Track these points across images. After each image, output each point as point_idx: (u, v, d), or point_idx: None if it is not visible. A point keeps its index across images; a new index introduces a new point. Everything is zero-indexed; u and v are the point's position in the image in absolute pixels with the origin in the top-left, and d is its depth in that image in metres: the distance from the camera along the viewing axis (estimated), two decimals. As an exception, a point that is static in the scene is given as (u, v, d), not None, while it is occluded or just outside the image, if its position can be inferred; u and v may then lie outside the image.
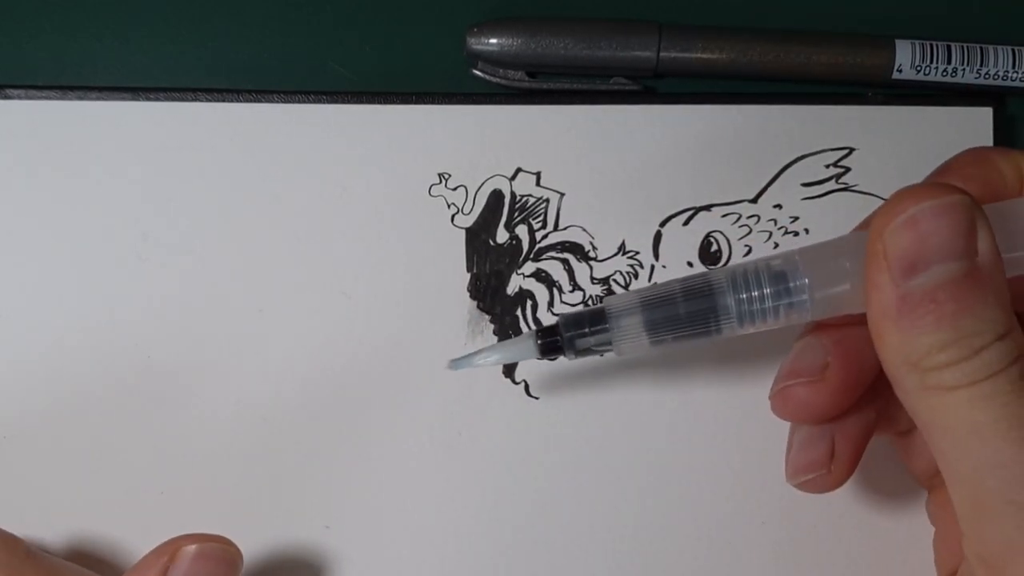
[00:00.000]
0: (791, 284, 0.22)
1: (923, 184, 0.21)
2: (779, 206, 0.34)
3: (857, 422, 0.25)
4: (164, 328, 0.32)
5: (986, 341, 0.19)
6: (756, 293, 0.22)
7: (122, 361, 0.32)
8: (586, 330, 0.24)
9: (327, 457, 0.32)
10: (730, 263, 0.23)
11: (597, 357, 0.25)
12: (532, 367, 0.33)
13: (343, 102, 0.33)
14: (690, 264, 0.33)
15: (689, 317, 0.23)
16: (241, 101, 0.33)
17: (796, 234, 0.34)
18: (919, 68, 0.33)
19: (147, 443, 0.32)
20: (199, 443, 0.32)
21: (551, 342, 0.24)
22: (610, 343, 0.24)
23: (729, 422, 0.32)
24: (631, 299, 0.23)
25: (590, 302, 0.33)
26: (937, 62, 0.33)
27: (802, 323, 0.23)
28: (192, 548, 0.26)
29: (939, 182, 0.21)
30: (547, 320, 0.33)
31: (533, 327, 0.32)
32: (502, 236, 0.33)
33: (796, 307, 0.22)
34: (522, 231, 0.33)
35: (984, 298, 0.20)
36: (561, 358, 0.25)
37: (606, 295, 0.33)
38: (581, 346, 0.24)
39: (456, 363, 0.26)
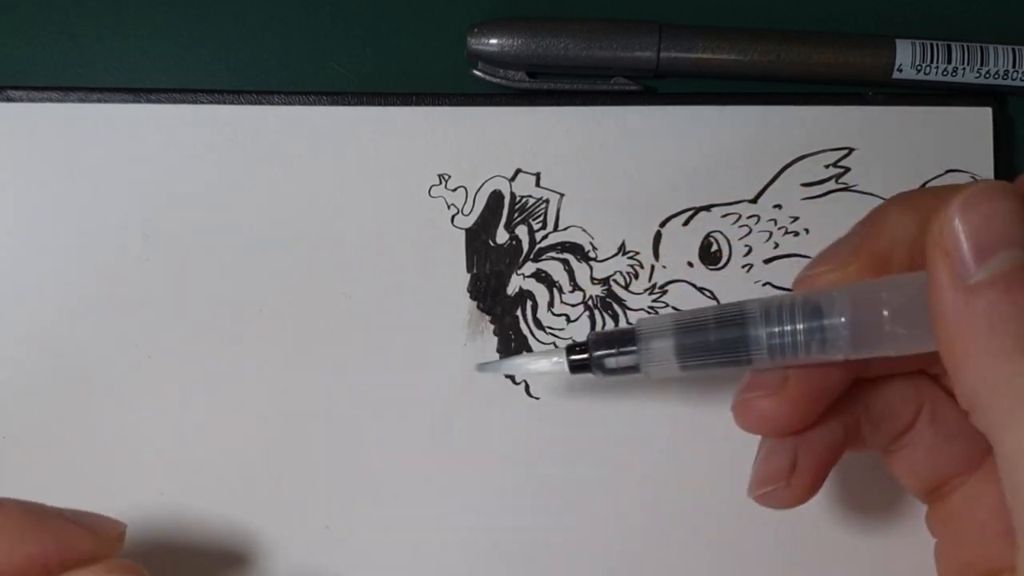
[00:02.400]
0: (826, 321, 0.22)
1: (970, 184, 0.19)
2: (779, 206, 0.34)
3: (821, 437, 0.24)
4: (165, 328, 0.32)
5: None
6: (789, 327, 0.22)
7: (123, 361, 0.32)
8: (615, 350, 0.24)
9: (327, 457, 0.32)
10: (767, 295, 0.23)
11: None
12: None
13: (343, 103, 0.33)
14: (690, 264, 0.33)
15: (720, 345, 0.22)
16: (242, 102, 0.33)
17: (796, 234, 0.34)
18: (919, 68, 0.33)
19: (147, 443, 0.32)
20: (199, 443, 0.32)
21: (581, 360, 0.24)
22: (638, 365, 0.24)
23: (731, 426, 0.31)
24: (663, 323, 0.23)
25: (590, 302, 0.33)
26: (937, 62, 0.33)
27: (835, 361, 0.22)
28: None
29: (984, 181, 0.21)
30: (547, 320, 0.33)
31: (533, 326, 0.32)
32: (502, 237, 0.33)
33: (830, 344, 0.22)
34: (522, 232, 0.33)
35: None
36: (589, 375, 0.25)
37: (606, 295, 0.33)
38: (610, 366, 0.24)
39: (484, 367, 0.27)
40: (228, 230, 0.32)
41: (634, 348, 0.23)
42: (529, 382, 0.33)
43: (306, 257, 0.32)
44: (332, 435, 0.32)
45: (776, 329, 0.22)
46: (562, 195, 0.33)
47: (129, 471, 0.32)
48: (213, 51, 0.34)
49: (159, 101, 0.32)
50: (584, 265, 0.33)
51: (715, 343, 0.22)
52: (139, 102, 0.32)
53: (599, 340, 0.24)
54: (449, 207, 0.33)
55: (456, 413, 0.32)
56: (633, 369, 0.24)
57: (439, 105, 0.33)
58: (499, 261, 0.33)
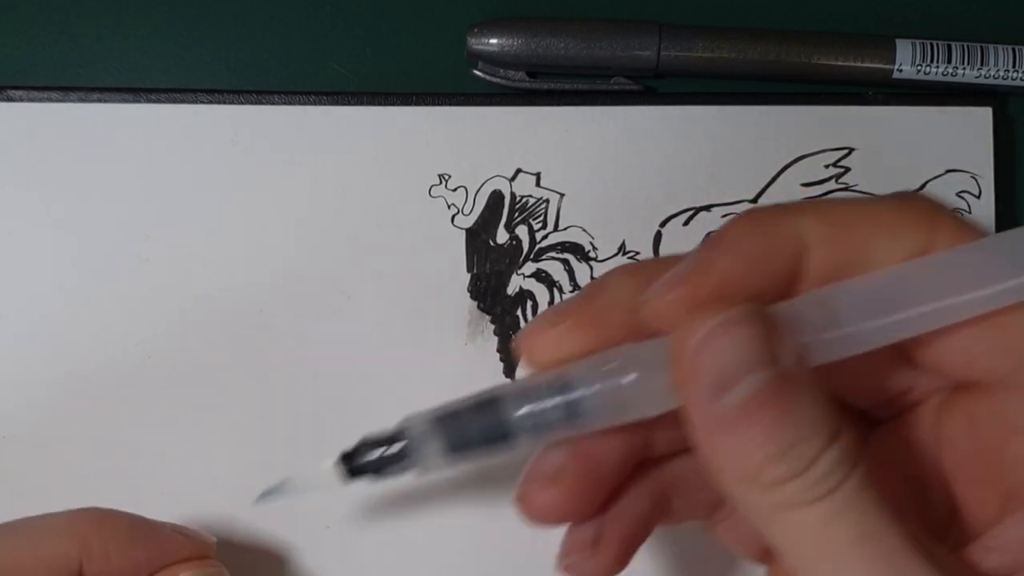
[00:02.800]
0: (575, 394, 0.21)
1: (712, 304, 0.20)
2: None
3: (626, 510, 0.23)
4: (165, 327, 0.32)
5: (817, 448, 0.18)
6: (545, 405, 0.21)
7: (123, 360, 0.32)
8: (383, 453, 0.23)
9: (328, 457, 0.31)
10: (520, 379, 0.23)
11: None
12: None
13: (343, 103, 0.33)
14: None
15: (481, 432, 0.22)
16: (242, 102, 0.32)
17: None
18: (919, 68, 0.33)
19: (147, 443, 0.32)
20: (199, 443, 0.32)
21: (355, 467, 0.23)
22: (407, 463, 0.23)
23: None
24: (425, 418, 0.22)
25: None
26: (937, 62, 0.33)
27: (596, 430, 0.22)
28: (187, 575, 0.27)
29: (726, 298, 0.20)
30: None
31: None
32: (502, 236, 0.33)
33: (583, 416, 0.21)
34: (522, 231, 0.33)
35: (798, 400, 0.19)
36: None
37: None
38: (383, 470, 0.23)
39: (262, 498, 0.25)
40: (228, 230, 0.32)
41: (401, 452, 0.23)
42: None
43: (306, 257, 0.32)
44: (333, 436, 0.29)
45: (533, 408, 0.21)
46: (562, 195, 0.33)
47: (129, 471, 0.32)
48: (213, 51, 0.34)
49: (159, 101, 0.32)
50: (584, 265, 0.33)
51: (477, 431, 0.22)
52: (139, 102, 0.32)
53: (366, 445, 0.23)
54: (449, 207, 0.33)
55: None
56: (406, 468, 0.23)
57: (439, 105, 0.33)
58: (499, 261, 0.33)
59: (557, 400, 0.21)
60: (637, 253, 0.33)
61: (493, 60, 0.33)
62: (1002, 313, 0.20)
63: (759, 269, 0.20)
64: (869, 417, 0.24)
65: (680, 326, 0.19)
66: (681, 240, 0.33)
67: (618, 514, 0.23)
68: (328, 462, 0.24)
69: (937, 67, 0.33)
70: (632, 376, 0.21)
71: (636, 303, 0.20)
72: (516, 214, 0.33)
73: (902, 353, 0.22)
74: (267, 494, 0.25)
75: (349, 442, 0.31)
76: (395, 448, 0.22)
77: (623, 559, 0.23)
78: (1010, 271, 0.20)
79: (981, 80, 0.34)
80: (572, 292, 0.33)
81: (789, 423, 0.19)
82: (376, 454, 0.23)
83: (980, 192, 0.34)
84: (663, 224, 0.33)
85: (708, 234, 0.23)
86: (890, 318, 0.20)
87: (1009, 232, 0.21)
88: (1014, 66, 0.33)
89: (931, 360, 0.21)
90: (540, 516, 0.22)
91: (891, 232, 0.20)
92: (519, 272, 0.33)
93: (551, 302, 0.33)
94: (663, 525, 0.24)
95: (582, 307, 0.22)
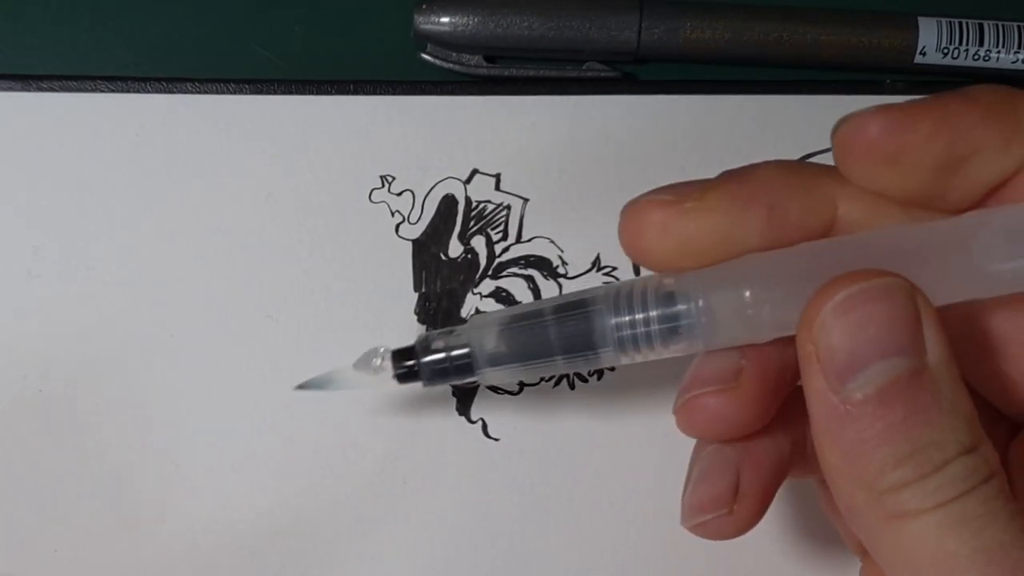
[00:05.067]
0: (680, 307, 0.21)
1: (857, 270, 0.19)
2: None
3: (768, 451, 0.23)
4: (58, 356, 0.31)
5: (949, 455, 0.18)
6: (641, 316, 0.21)
7: (7, 394, 0.31)
8: (444, 354, 0.24)
9: (245, 511, 0.31)
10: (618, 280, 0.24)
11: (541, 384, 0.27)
12: (491, 403, 0.31)
13: (268, 92, 0.32)
14: None
15: (561, 342, 0.22)
16: (149, 91, 0.31)
17: None
18: (946, 51, 0.33)
19: (37, 493, 0.30)
20: (98, 492, 0.30)
21: (407, 367, 0.25)
22: (471, 370, 0.24)
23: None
24: (497, 318, 0.23)
25: None
26: (967, 44, 0.33)
27: (695, 353, 0.22)
28: None
29: (870, 269, 0.19)
30: None
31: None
32: (455, 249, 0.32)
33: (686, 334, 0.21)
34: (479, 243, 0.32)
35: (939, 403, 0.18)
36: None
37: None
38: (439, 372, 0.24)
39: (305, 385, 0.27)
40: (133, 241, 0.31)
41: (466, 350, 0.24)
42: (487, 421, 0.31)
43: (223, 274, 0.31)
44: (252, 485, 0.31)
45: (626, 318, 0.21)
46: (526, 200, 0.32)
47: (17, 522, 0.30)
48: (116, 32, 0.33)
49: (51, 89, 0.31)
50: (552, 283, 0.32)
51: (556, 340, 0.22)
52: (28, 90, 0.31)
53: (426, 342, 0.24)
54: (393, 214, 0.32)
55: (401, 457, 0.31)
56: (466, 372, 0.24)
57: (381, 94, 0.32)
58: (452, 278, 0.32)
59: (656, 312, 0.21)
60: (614, 269, 0.32)
61: (444, 42, 0.32)
62: None
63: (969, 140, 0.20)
64: (1017, 423, 0.23)
65: (822, 288, 0.19)
66: (666, 254, 0.31)
67: (757, 456, 0.23)
68: (381, 358, 0.25)
69: (967, 50, 0.33)
70: (747, 294, 0.20)
71: (837, 201, 0.20)
72: (472, 223, 0.32)
73: None
74: (310, 384, 0.26)
75: (271, 492, 0.31)
76: (457, 353, 0.23)
77: (761, 512, 0.23)
78: None
79: (1019, 66, 0.33)
80: None
81: (922, 424, 0.18)
82: (437, 357, 0.24)
83: None
84: None
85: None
86: None
87: None
88: (1057, 49, 0.33)
89: None
90: (709, 428, 0.22)
91: (999, 126, 0.20)
92: (475, 291, 0.32)
93: (513, 326, 0.31)
94: (791, 477, 0.24)
95: (714, 189, 0.21)
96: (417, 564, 0.31)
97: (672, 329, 0.21)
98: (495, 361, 0.23)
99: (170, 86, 0.31)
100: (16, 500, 0.30)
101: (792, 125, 0.32)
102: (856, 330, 0.18)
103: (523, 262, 0.32)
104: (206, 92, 0.31)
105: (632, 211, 0.22)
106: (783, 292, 0.20)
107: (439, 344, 0.24)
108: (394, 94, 0.31)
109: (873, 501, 0.18)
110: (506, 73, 0.32)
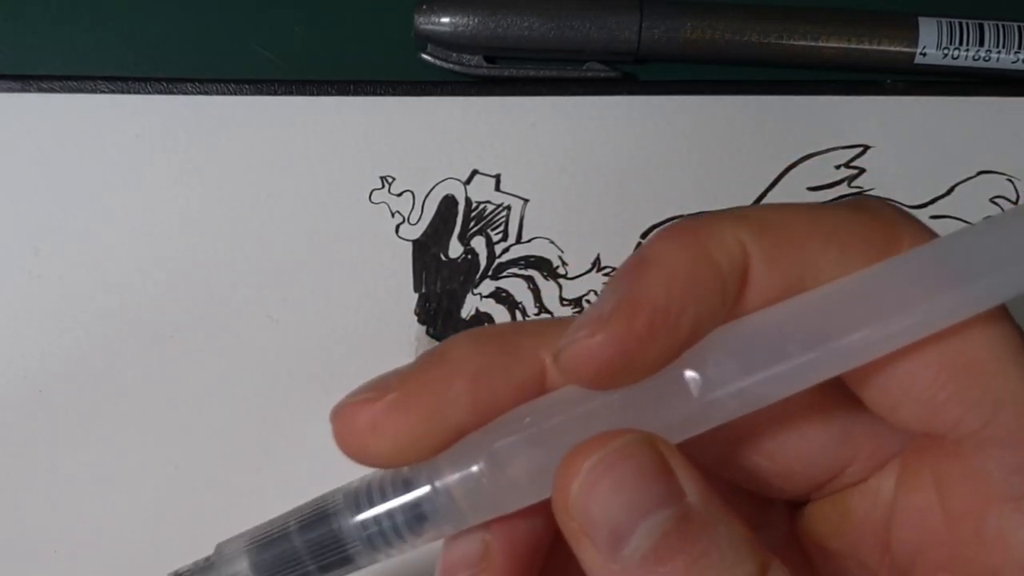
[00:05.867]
0: (419, 491, 0.19)
1: (592, 437, 0.18)
2: None
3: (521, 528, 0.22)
4: (58, 358, 0.31)
5: None
6: (384, 509, 0.20)
7: (7, 394, 0.30)
8: None
9: (245, 511, 0.29)
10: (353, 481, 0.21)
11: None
12: None
13: (268, 92, 0.31)
14: None
15: (310, 550, 0.20)
16: (149, 91, 0.31)
17: None
18: (947, 51, 0.33)
19: (37, 493, 0.30)
20: (96, 495, 0.30)
21: None
22: None
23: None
24: (240, 542, 0.21)
25: None
26: (968, 44, 0.33)
27: (457, 532, 0.21)
28: None
29: (603, 434, 0.18)
30: None
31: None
32: (455, 250, 0.32)
33: (432, 519, 0.19)
34: (479, 244, 0.32)
35: (715, 539, 0.17)
36: None
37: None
38: None
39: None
40: (134, 242, 0.31)
41: None
42: None
43: (225, 274, 0.31)
44: (252, 487, 0.31)
45: (371, 514, 0.20)
46: (526, 201, 0.32)
47: (16, 526, 0.30)
48: (115, 31, 0.32)
49: (52, 90, 0.31)
50: (552, 283, 0.32)
51: (304, 549, 0.20)
52: (28, 91, 0.31)
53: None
54: (393, 215, 0.32)
55: None
56: None
57: (382, 95, 0.32)
58: (452, 279, 0.32)
59: (399, 503, 0.19)
60: (614, 269, 0.32)
61: (444, 42, 0.32)
62: (968, 346, 0.18)
63: (695, 293, 0.18)
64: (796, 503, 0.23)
65: (560, 468, 0.18)
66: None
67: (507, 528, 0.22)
68: None
69: (967, 50, 0.33)
70: (476, 468, 0.19)
71: (543, 357, 0.19)
72: (472, 223, 0.32)
73: (846, 411, 0.20)
74: None
75: (273, 496, 0.29)
76: None
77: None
78: (961, 276, 0.18)
79: (1019, 66, 0.33)
80: (537, 315, 0.32)
81: (705, 568, 0.17)
82: None
83: (1018, 197, 0.33)
84: (644, 235, 0.32)
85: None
86: (805, 356, 0.18)
87: (960, 232, 0.19)
88: (1059, 49, 0.33)
89: (883, 409, 0.19)
90: None
91: (842, 245, 0.19)
92: (475, 292, 0.32)
93: (513, 327, 0.31)
94: None
95: (412, 377, 0.20)
96: (411, 565, 0.30)
97: (418, 516, 0.20)
98: None
99: (170, 87, 0.31)
100: (16, 500, 0.30)
101: (792, 125, 0.33)
102: (611, 498, 0.18)
103: (523, 263, 0.32)
104: (206, 93, 0.31)
105: (339, 419, 0.20)
106: (523, 460, 0.19)
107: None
108: (394, 94, 0.31)
109: None
110: (506, 73, 0.32)
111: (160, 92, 0.31)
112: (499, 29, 0.31)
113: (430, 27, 0.31)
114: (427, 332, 0.32)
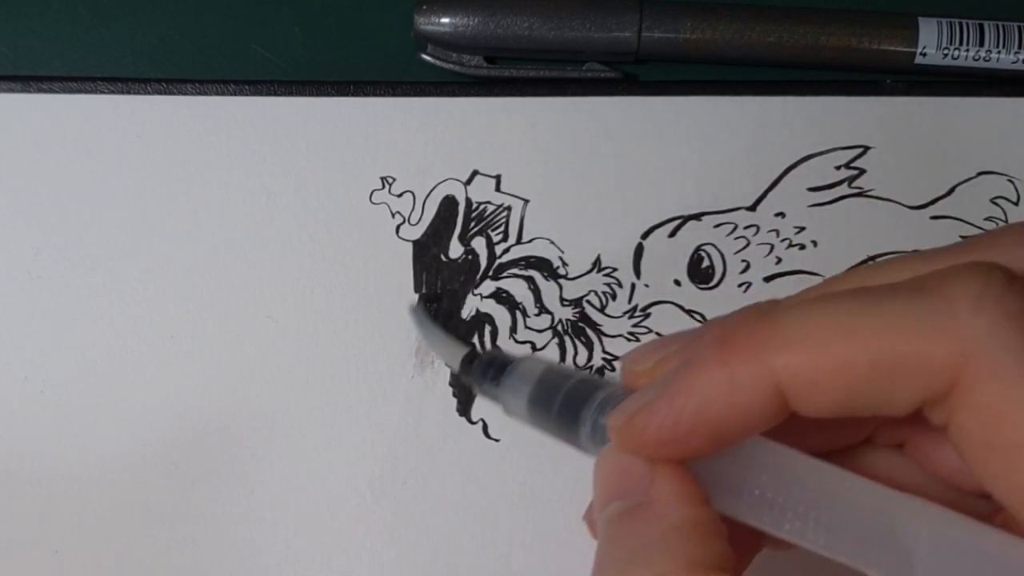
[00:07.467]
0: None
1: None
2: (782, 214, 0.33)
3: None
4: (59, 358, 0.31)
5: None
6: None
7: (7, 395, 0.30)
8: (486, 376, 0.24)
9: (246, 511, 0.30)
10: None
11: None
12: (492, 404, 0.31)
13: (269, 93, 0.32)
14: (677, 283, 0.32)
15: (559, 414, 0.22)
16: (149, 92, 0.31)
17: (802, 247, 0.32)
18: (947, 51, 0.33)
19: (37, 493, 0.30)
20: (96, 495, 0.30)
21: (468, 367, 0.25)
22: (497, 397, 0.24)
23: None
24: (537, 365, 0.23)
25: (559, 327, 0.32)
26: (968, 44, 0.32)
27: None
28: None
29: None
30: (509, 348, 0.32)
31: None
32: (456, 250, 0.32)
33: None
34: (479, 244, 0.32)
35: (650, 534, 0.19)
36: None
37: (578, 319, 0.32)
38: (478, 386, 0.25)
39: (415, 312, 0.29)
40: (135, 243, 0.31)
41: (498, 379, 0.24)
42: (487, 421, 0.31)
43: (223, 274, 0.31)
44: (253, 485, 0.31)
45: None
46: (526, 201, 0.32)
47: (18, 524, 0.30)
48: (116, 34, 0.33)
49: (53, 91, 0.31)
50: (552, 284, 0.32)
51: (555, 411, 0.22)
52: (30, 91, 0.31)
53: (487, 359, 0.25)
54: (394, 215, 0.32)
55: (401, 458, 0.31)
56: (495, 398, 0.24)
57: (382, 96, 0.32)
58: (452, 279, 0.32)
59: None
60: (615, 270, 0.32)
61: (444, 42, 0.32)
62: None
63: (730, 415, 0.19)
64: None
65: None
66: (666, 254, 0.32)
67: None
68: (460, 354, 0.26)
69: (967, 50, 0.33)
70: None
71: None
72: (472, 224, 0.32)
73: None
74: (419, 316, 0.30)
75: (274, 493, 0.31)
76: (494, 374, 0.24)
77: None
78: None
79: (1019, 66, 0.33)
80: (538, 315, 0.32)
81: (638, 551, 0.19)
82: (481, 370, 0.24)
83: (1019, 198, 0.33)
84: (645, 236, 0.32)
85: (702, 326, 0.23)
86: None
87: None
88: (1059, 49, 0.32)
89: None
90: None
91: (903, 376, 0.18)
92: (476, 292, 0.32)
93: (513, 328, 0.32)
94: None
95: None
96: (417, 564, 0.30)
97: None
98: (515, 403, 0.23)
99: (171, 87, 0.31)
100: (16, 500, 0.30)
101: (792, 125, 0.32)
102: (599, 477, 0.21)
103: (523, 263, 0.32)
104: (207, 94, 0.31)
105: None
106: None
107: (491, 363, 0.24)
108: (394, 95, 0.31)
109: None
110: (506, 74, 0.32)
111: (161, 93, 0.31)
112: (499, 29, 0.31)
113: (430, 27, 0.31)
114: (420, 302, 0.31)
